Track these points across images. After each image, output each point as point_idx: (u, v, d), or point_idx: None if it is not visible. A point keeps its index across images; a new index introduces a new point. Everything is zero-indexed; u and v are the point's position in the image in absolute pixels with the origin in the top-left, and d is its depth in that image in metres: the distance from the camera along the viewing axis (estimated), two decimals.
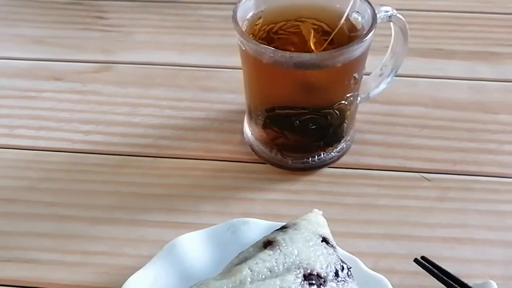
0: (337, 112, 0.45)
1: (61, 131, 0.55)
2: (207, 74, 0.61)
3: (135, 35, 0.67)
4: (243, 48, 0.43)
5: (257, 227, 0.41)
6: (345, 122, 0.47)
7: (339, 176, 0.50)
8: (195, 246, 0.40)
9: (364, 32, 0.42)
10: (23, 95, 0.60)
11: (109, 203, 0.48)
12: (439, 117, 0.55)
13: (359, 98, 0.48)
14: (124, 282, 0.39)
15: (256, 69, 0.44)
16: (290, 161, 0.49)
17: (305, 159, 0.49)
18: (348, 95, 0.44)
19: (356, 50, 0.41)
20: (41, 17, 0.70)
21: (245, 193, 0.49)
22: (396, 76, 0.52)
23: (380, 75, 0.50)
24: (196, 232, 0.42)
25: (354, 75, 0.43)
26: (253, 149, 0.51)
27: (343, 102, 0.44)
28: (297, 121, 0.44)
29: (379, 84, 0.50)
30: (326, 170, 0.50)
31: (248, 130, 0.51)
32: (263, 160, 0.50)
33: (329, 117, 0.45)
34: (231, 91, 0.58)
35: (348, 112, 0.46)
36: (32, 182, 0.51)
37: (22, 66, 0.63)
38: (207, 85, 0.60)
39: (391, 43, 0.49)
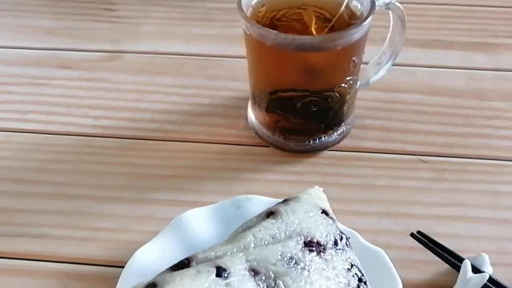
0: (337, 95, 0.46)
1: (71, 116, 0.57)
2: (213, 63, 0.63)
3: (142, 26, 0.69)
4: (248, 33, 0.45)
5: (260, 203, 0.43)
6: (345, 106, 0.49)
7: (339, 158, 0.52)
8: (200, 221, 0.42)
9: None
10: (34, 82, 0.62)
11: (117, 183, 0.50)
12: (436, 103, 0.57)
13: (358, 83, 0.49)
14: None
15: (260, 53, 0.46)
16: (292, 144, 0.51)
17: (307, 142, 0.50)
18: (347, 78, 0.46)
19: (355, 34, 0.43)
20: (51, 8, 0.72)
21: (249, 174, 0.50)
22: (395, 65, 0.54)
23: (379, 62, 0.52)
24: (202, 208, 0.43)
25: (353, 58, 0.45)
26: (256, 133, 0.53)
27: (343, 85, 0.46)
28: (299, 104, 0.46)
29: (378, 71, 0.52)
30: (327, 152, 0.52)
31: (251, 114, 0.53)
32: (266, 143, 0.52)
33: (329, 100, 0.46)
34: (236, 79, 0.60)
35: (348, 96, 0.48)
36: (42, 163, 0.52)
37: (33, 55, 0.65)
38: (212, 73, 0.62)
39: (390, 31, 0.50)
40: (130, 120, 0.57)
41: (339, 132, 0.51)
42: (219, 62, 0.63)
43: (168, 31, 0.68)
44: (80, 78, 0.62)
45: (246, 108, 0.56)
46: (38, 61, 0.64)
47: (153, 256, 0.40)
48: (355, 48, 0.44)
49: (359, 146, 0.53)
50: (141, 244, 0.42)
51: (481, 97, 0.57)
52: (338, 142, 0.51)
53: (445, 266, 0.42)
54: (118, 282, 0.40)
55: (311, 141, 0.51)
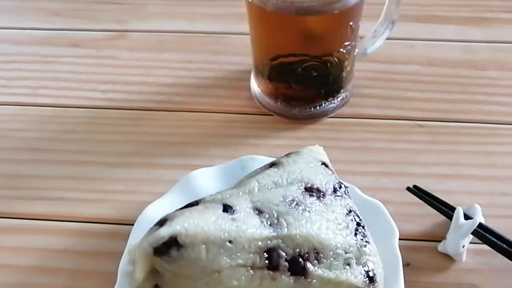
0: (336, 60, 0.49)
1: (80, 90, 0.59)
2: (216, 39, 0.65)
3: (147, 6, 0.71)
4: (249, 0, 0.47)
5: (263, 163, 0.45)
6: (344, 72, 0.51)
7: (339, 124, 0.54)
8: (208, 179, 0.44)
9: None
10: (43, 60, 0.64)
11: (127, 150, 0.53)
12: (432, 73, 0.59)
13: (356, 50, 0.52)
14: None
15: (261, 19, 0.48)
16: (294, 111, 0.53)
17: (308, 109, 0.53)
18: (346, 43, 0.48)
19: None
20: None
21: (253, 140, 0.53)
22: (392, 39, 0.56)
23: (376, 32, 0.54)
24: (208, 168, 0.46)
25: (350, 23, 0.47)
26: (259, 102, 0.55)
27: (341, 50, 0.48)
28: (300, 69, 0.48)
29: (375, 41, 0.54)
30: (327, 119, 0.54)
31: (254, 85, 0.55)
32: (269, 112, 0.54)
33: (329, 65, 0.49)
34: (238, 53, 0.62)
35: (346, 62, 0.50)
36: (55, 134, 0.55)
37: (42, 35, 0.67)
38: (216, 49, 0.64)
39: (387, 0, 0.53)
40: (138, 93, 0.59)
41: (339, 99, 0.53)
42: (222, 38, 0.65)
43: (173, 11, 0.70)
44: (88, 56, 0.64)
45: (249, 80, 0.58)
46: (46, 40, 0.66)
47: (162, 211, 0.42)
48: (352, 12, 0.47)
49: (358, 113, 0.55)
50: (151, 203, 0.44)
51: (476, 67, 0.60)
52: (338, 108, 0.54)
53: (440, 218, 0.44)
54: (130, 236, 0.42)
55: (312, 108, 0.53)
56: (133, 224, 0.43)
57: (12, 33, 0.67)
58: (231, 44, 0.64)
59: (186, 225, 0.32)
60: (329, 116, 0.54)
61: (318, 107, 0.53)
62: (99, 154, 0.52)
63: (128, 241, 0.41)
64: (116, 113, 0.57)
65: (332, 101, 0.53)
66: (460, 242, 0.40)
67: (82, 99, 0.58)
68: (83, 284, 0.42)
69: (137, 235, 0.41)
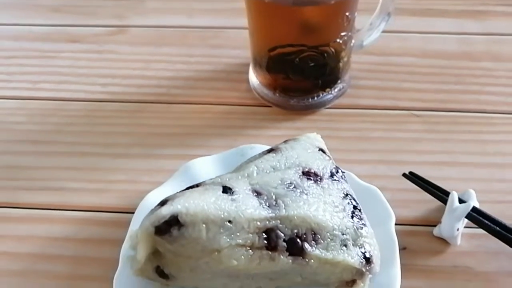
0: (333, 50, 0.49)
1: (80, 84, 0.60)
2: (215, 34, 0.66)
3: (146, 2, 0.72)
4: None
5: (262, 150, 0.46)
6: (341, 63, 0.52)
7: (337, 115, 0.55)
8: (207, 167, 0.45)
9: None
10: (43, 55, 0.65)
11: (127, 141, 0.53)
12: (428, 65, 0.60)
13: (353, 41, 0.52)
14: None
15: (259, 11, 0.49)
16: (292, 102, 0.54)
17: (306, 100, 0.53)
18: (342, 34, 0.49)
19: None
20: None
21: (251, 131, 0.54)
22: (389, 32, 0.57)
23: (372, 25, 0.54)
24: (208, 156, 0.47)
25: (346, 14, 0.48)
26: (258, 94, 0.56)
27: (338, 40, 0.49)
28: (297, 59, 0.49)
29: (372, 33, 0.55)
30: (325, 110, 0.55)
31: (253, 77, 0.56)
32: (268, 103, 0.55)
33: (325, 55, 0.49)
34: (237, 47, 0.63)
35: (343, 52, 0.51)
36: (56, 126, 0.56)
37: (42, 31, 0.68)
38: (215, 43, 0.65)
39: None
40: (137, 86, 0.60)
41: (336, 90, 0.54)
42: (220, 33, 0.66)
43: (171, 7, 0.71)
44: (88, 51, 0.65)
45: (247, 72, 0.59)
46: (46, 36, 0.67)
47: (163, 198, 0.43)
48: (348, 3, 0.47)
49: (356, 103, 0.56)
50: (151, 191, 0.45)
51: (471, 58, 0.60)
52: (335, 99, 0.54)
53: (436, 204, 0.45)
54: (131, 223, 0.43)
55: (310, 99, 0.54)
56: (134, 212, 0.44)
57: (12, 29, 0.68)
58: (230, 38, 0.65)
59: (187, 205, 0.32)
60: (326, 106, 0.55)
61: (315, 98, 0.54)
62: (100, 146, 0.53)
63: (129, 227, 0.42)
64: (116, 106, 0.57)
65: (330, 92, 0.54)
66: (455, 225, 0.41)
67: (82, 93, 0.59)
68: (85, 271, 0.43)
69: (138, 221, 0.41)
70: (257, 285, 0.37)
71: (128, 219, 0.44)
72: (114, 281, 0.39)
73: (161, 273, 0.36)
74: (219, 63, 0.62)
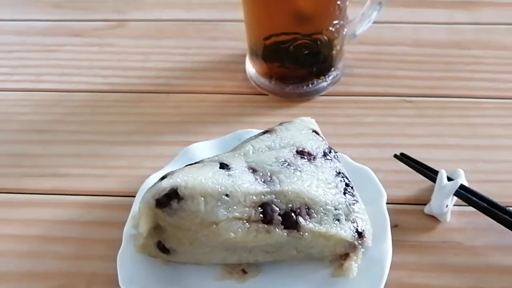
0: (326, 38, 0.51)
1: (82, 76, 0.62)
2: (212, 26, 0.68)
3: None
4: None
5: None
6: (334, 51, 0.54)
7: (331, 102, 0.56)
8: (206, 150, 0.47)
9: None
10: (45, 49, 0.66)
11: (128, 129, 0.55)
12: (419, 53, 0.62)
13: (345, 30, 0.54)
14: None
15: (255, 1, 0.51)
16: (287, 89, 0.55)
17: (301, 87, 0.55)
18: (334, 22, 0.51)
19: None
20: None
21: (248, 118, 0.55)
22: (381, 22, 0.59)
23: (364, 14, 0.56)
24: (207, 141, 0.48)
25: (338, 2, 0.50)
26: (254, 83, 0.58)
27: (330, 28, 0.51)
28: (292, 47, 0.51)
29: (364, 22, 0.57)
30: (320, 97, 0.57)
31: (250, 66, 0.58)
32: (264, 91, 0.57)
33: (319, 43, 0.51)
34: (234, 39, 0.65)
35: (335, 41, 0.53)
36: (59, 116, 0.57)
37: (43, 26, 0.70)
38: (212, 35, 0.66)
39: None
40: (137, 77, 0.61)
41: (330, 78, 0.56)
42: (218, 26, 0.68)
43: (169, 1, 0.72)
44: (89, 44, 0.66)
45: (244, 63, 0.60)
46: (48, 31, 0.69)
47: None
48: None
49: (349, 91, 0.57)
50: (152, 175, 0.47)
51: (461, 47, 0.62)
52: (330, 86, 0.56)
53: (426, 184, 0.47)
54: (133, 204, 0.44)
55: (305, 87, 0.55)
56: (135, 196, 0.45)
57: (14, 25, 0.70)
58: (227, 31, 0.67)
59: (186, 178, 0.34)
60: (321, 94, 0.57)
61: (310, 86, 0.55)
62: (102, 134, 0.55)
63: (132, 208, 0.44)
64: (117, 96, 0.59)
65: (324, 80, 0.56)
66: (444, 202, 0.43)
67: (84, 84, 0.61)
68: (90, 251, 0.45)
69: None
70: (254, 258, 0.38)
71: (130, 202, 0.45)
72: (117, 259, 0.41)
73: (163, 248, 0.38)
74: (217, 54, 0.63)
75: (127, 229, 0.42)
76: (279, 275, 0.39)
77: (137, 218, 0.40)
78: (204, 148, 0.47)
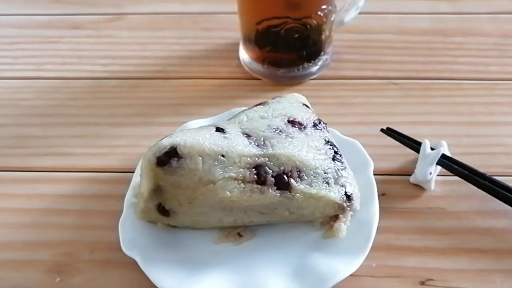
0: (315, 22, 0.54)
1: (82, 65, 0.64)
2: (207, 18, 0.70)
3: None
4: None
5: None
6: (323, 35, 0.56)
7: (321, 85, 0.59)
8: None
9: None
10: (46, 41, 0.69)
11: (127, 112, 0.57)
12: (405, 41, 0.64)
13: (333, 16, 0.57)
14: None
15: None
16: (279, 73, 0.58)
17: (292, 71, 0.58)
18: (322, 7, 0.54)
19: None
20: None
21: (242, 100, 0.58)
22: (368, 13, 0.62)
23: (351, 1, 0.59)
24: (204, 118, 0.51)
25: None
26: (248, 68, 0.60)
27: (319, 13, 0.54)
28: (282, 30, 0.54)
29: (351, 10, 0.59)
30: (310, 81, 0.60)
31: (243, 53, 0.61)
32: (257, 76, 0.60)
33: (308, 27, 0.54)
34: (227, 29, 0.67)
35: (324, 25, 0.56)
36: (60, 101, 0.60)
37: (44, 19, 0.72)
38: (207, 26, 0.69)
39: None
40: (136, 65, 0.64)
41: (320, 62, 0.59)
42: (212, 17, 0.71)
43: None
44: (88, 36, 0.69)
45: (237, 51, 0.63)
46: (48, 24, 0.71)
47: None
48: None
49: (338, 74, 0.60)
50: None
51: (444, 34, 0.65)
52: (320, 71, 0.59)
53: (412, 157, 0.50)
54: (133, 176, 0.47)
55: (296, 70, 0.58)
56: (134, 172, 0.48)
57: (15, 19, 0.72)
58: (221, 22, 0.69)
59: (184, 138, 0.37)
60: (311, 78, 0.59)
61: (301, 69, 0.58)
62: (102, 116, 0.57)
63: (132, 180, 0.46)
64: (116, 83, 0.62)
65: (314, 64, 0.58)
66: (428, 169, 0.46)
67: (84, 72, 0.63)
68: (92, 221, 0.47)
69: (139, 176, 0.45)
70: (249, 219, 0.41)
71: (130, 177, 0.48)
72: (119, 225, 0.43)
73: (162, 210, 0.40)
74: (211, 43, 0.66)
75: (128, 197, 0.44)
76: (273, 238, 0.42)
77: (137, 187, 0.42)
78: (201, 125, 0.49)
